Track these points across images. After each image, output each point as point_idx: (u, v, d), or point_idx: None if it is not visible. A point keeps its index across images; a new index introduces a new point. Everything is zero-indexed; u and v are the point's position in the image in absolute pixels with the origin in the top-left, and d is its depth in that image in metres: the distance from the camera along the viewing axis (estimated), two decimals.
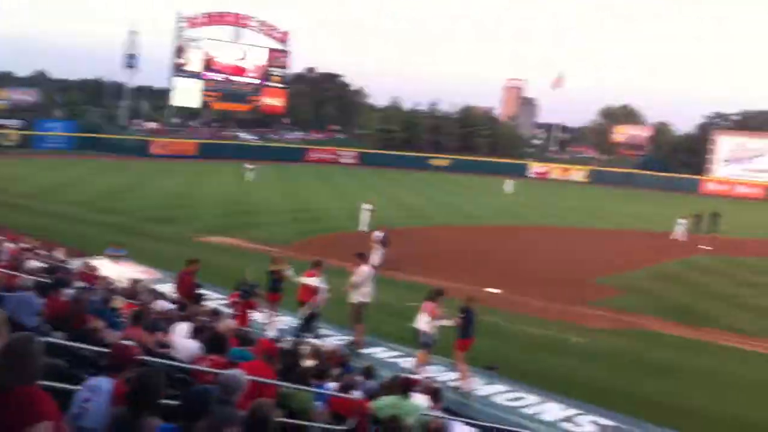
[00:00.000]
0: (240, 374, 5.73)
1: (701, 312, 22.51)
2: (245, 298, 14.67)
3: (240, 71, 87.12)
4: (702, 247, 36.07)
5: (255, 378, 7.21)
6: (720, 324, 21.13)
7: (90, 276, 16.16)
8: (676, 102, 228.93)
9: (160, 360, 7.72)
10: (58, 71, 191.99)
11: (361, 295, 15.82)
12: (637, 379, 15.64)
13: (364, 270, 16.12)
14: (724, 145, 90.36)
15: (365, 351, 15.48)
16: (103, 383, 4.94)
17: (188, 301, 13.07)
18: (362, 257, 16.75)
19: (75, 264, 17.78)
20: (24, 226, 26.17)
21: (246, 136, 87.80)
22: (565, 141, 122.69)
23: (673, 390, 15.01)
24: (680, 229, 39.03)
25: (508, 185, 62.87)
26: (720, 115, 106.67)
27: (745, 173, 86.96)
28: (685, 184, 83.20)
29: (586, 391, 14.19)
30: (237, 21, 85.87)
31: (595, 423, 12.68)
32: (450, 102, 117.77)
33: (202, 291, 14.82)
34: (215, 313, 11.96)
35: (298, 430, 7.30)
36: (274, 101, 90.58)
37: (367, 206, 33.49)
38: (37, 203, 35.09)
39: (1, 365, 3.87)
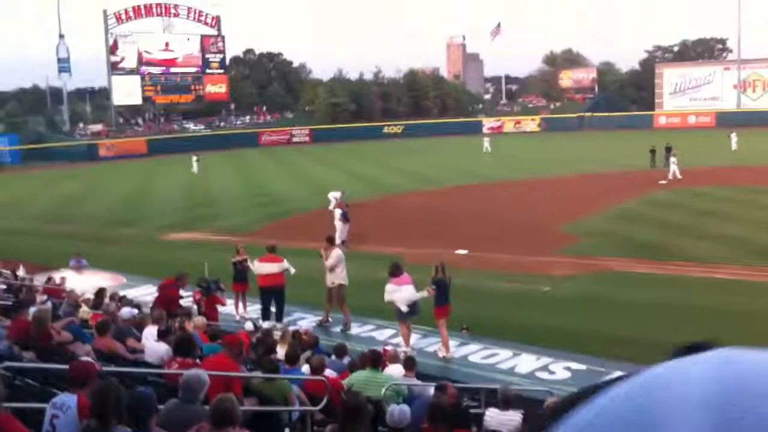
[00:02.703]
0: (202, 374, 5.85)
1: (664, 247, 22.99)
2: (207, 294, 14.67)
3: (175, 62, 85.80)
4: (661, 182, 36.89)
5: (217, 373, 7.29)
6: (684, 256, 21.57)
7: (54, 290, 16.07)
8: (616, 40, 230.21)
9: (129, 369, 7.78)
10: None
11: (339, 278, 16.07)
12: (606, 320, 15.99)
13: (337, 252, 16.37)
14: (669, 77, 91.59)
15: (337, 329, 15.72)
16: (68, 400, 5.02)
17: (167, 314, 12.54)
18: (331, 240, 17.18)
19: (39, 280, 17.59)
20: None
21: (194, 127, 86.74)
22: (514, 92, 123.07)
23: (640, 326, 15.36)
24: (672, 167, 38.46)
25: (486, 143, 61.86)
26: (660, 48, 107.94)
27: (694, 103, 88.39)
28: (638, 120, 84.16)
29: (558, 338, 14.51)
30: (165, 11, 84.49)
31: (568, 368, 12.99)
32: (395, 67, 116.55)
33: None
34: (188, 314, 12.00)
35: (275, 415, 7.42)
36: (216, 88, 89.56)
37: (335, 194, 30.63)
38: None
39: None
